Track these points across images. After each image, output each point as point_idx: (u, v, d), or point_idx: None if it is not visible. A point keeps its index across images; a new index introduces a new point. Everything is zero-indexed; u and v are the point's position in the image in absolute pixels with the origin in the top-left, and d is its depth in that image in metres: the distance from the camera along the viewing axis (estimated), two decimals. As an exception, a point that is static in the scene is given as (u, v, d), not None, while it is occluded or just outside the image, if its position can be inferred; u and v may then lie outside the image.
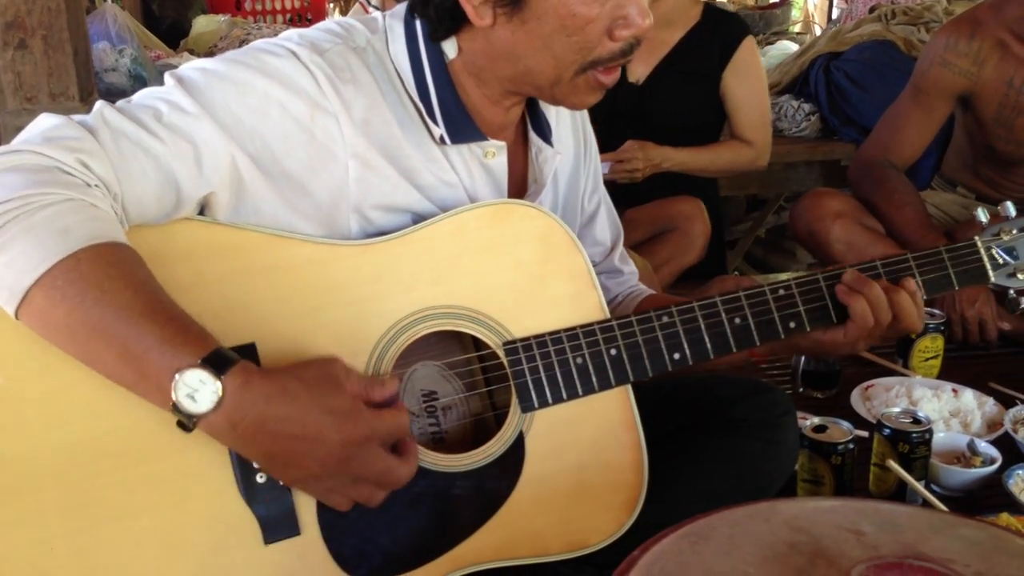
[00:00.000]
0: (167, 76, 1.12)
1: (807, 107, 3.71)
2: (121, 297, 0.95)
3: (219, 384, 0.95)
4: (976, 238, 1.31)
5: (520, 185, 1.33)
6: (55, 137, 1.01)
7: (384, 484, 1.05)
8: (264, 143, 1.10)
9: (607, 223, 1.52)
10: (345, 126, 1.12)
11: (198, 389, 0.95)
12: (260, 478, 1.07)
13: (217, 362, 0.96)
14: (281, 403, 0.98)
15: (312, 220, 1.14)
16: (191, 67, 1.12)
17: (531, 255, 1.20)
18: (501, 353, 1.18)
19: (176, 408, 0.96)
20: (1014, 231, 1.32)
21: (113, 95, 3.46)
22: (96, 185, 1.01)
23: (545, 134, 1.32)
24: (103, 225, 0.98)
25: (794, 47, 4.26)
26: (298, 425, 0.98)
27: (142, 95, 1.10)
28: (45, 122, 1.04)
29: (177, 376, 0.95)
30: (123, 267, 0.97)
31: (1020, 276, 1.32)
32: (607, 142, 2.57)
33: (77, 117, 1.06)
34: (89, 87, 3.03)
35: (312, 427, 0.99)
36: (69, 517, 1.03)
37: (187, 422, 0.97)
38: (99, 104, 1.07)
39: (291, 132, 1.10)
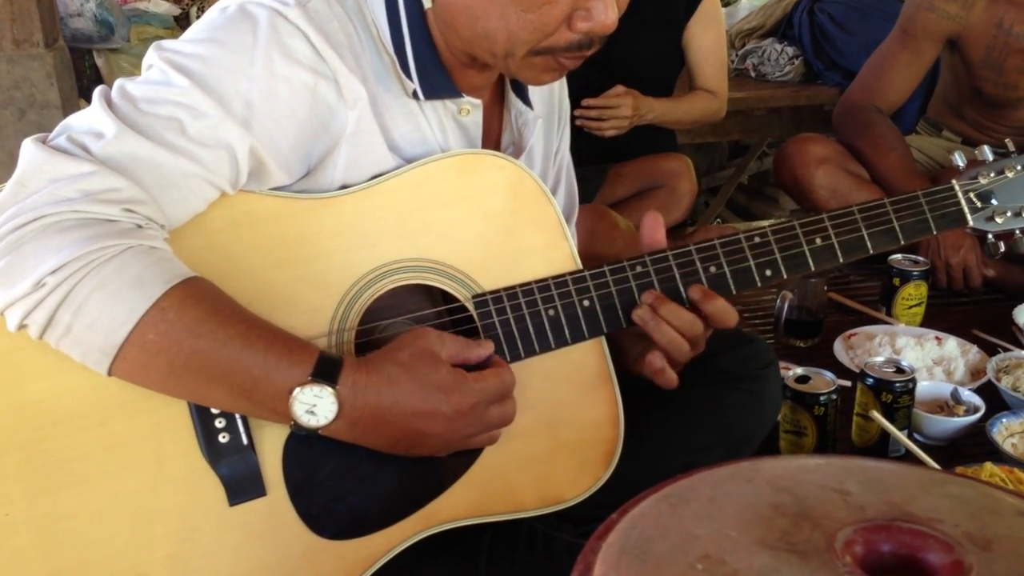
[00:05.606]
0: (161, 63, 1.04)
1: (791, 51, 3.66)
2: (215, 337, 0.97)
3: (334, 395, 1.00)
4: (954, 182, 1.30)
5: (494, 147, 1.28)
6: (93, 192, 0.96)
7: (499, 427, 1.11)
8: (277, 125, 1.06)
9: (564, 195, 1.47)
10: (343, 88, 1.09)
11: (316, 404, 0.99)
12: (223, 438, 1.05)
13: (326, 371, 1.00)
14: (389, 391, 1.02)
15: (304, 182, 1.12)
16: (186, 54, 1.04)
17: (500, 206, 1.16)
18: (471, 306, 1.15)
19: (297, 425, 1.00)
20: (991, 174, 1.30)
21: (79, 41, 3.38)
22: (144, 225, 1.00)
23: (525, 96, 1.27)
24: (170, 265, 0.98)
25: (778, -11, 4.19)
26: (410, 408, 1.03)
27: (150, 96, 1.02)
28: (69, 168, 0.97)
29: (292, 396, 0.99)
30: (206, 304, 0.98)
31: (998, 220, 1.31)
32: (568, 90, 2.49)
33: (99, 147, 0.98)
34: (54, 33, 2.97)
35: (423, 406, 1.03)
36: (26, 482, 1.00)
37: (308, 434, 1.02)
38: (116, 128, 0.99)
39: (297, 107, 1.07)
